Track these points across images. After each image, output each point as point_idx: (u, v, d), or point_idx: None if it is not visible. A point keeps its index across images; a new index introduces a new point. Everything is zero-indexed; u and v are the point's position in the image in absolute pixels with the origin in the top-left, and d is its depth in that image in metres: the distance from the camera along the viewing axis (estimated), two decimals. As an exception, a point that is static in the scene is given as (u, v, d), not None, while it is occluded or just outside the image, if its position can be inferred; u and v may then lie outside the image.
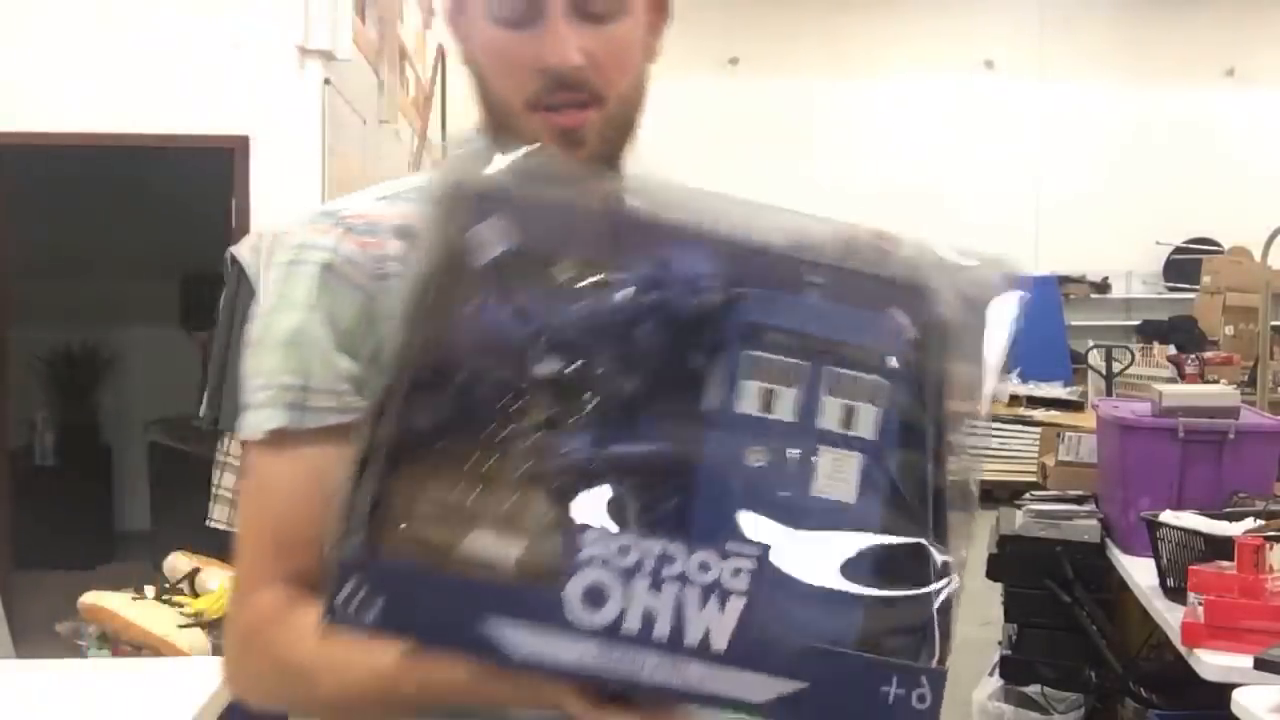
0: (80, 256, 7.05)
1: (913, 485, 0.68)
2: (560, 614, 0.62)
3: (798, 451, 0.66)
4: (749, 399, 0.66)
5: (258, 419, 0.96)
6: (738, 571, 0.63)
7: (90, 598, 3.65)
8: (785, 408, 0.66)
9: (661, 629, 0.62)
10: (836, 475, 0.66)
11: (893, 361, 0.69)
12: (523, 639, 0.63)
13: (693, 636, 0.62)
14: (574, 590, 0.62)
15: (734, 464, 0.65)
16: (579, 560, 0.63)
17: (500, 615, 0.63)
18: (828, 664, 0.64)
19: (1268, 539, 2.27)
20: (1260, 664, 2.05)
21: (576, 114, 0.98)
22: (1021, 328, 0.75)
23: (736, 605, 0.63)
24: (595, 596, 0.62)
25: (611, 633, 0.62)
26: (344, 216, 1.00)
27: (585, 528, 0.63)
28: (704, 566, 0.63)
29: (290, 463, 0.96)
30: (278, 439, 0.95)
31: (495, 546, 0.65)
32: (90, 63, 4.86)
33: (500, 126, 1.00)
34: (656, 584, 0.62)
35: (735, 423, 0.66)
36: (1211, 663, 2.18)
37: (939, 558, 0.67)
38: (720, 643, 0.62)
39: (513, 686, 0.75)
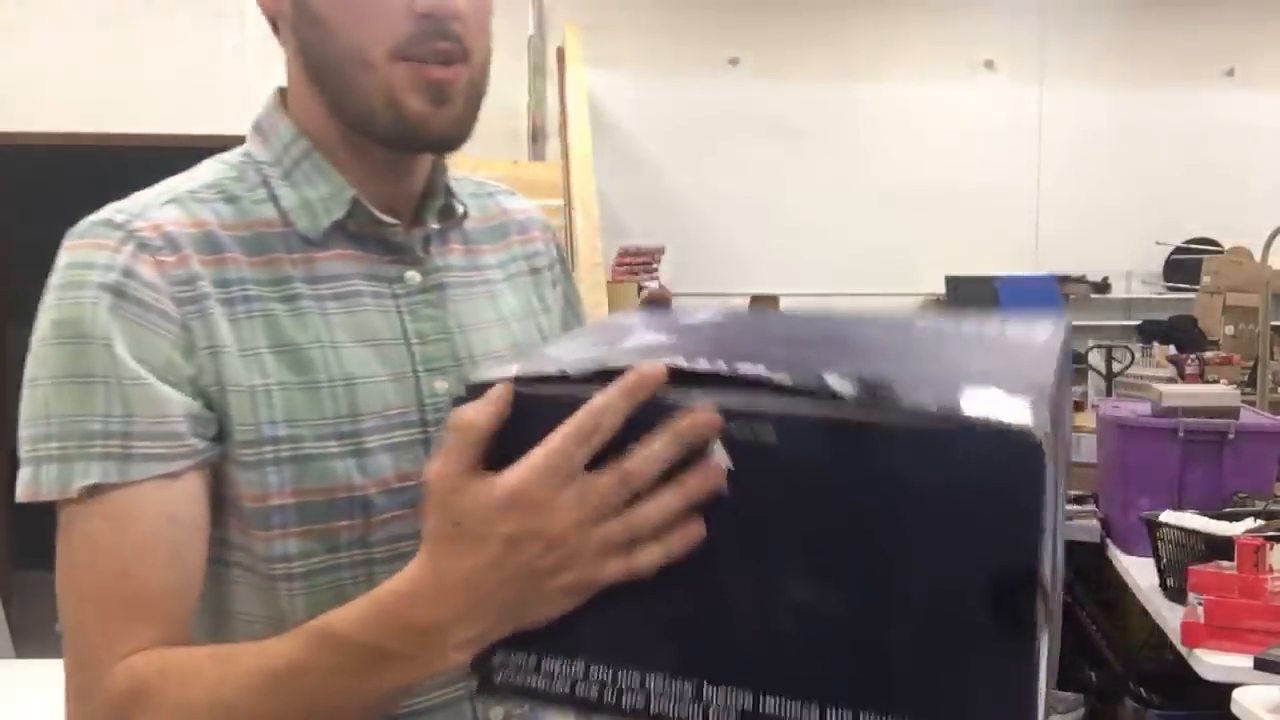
0: (80, 256, 7.05)
1: None
2: None
3: None
4: None
5: (63, 474, 0.80)
6: None
7: (90, 598, 3.65)
8: None
9: None
10: None
11: None
12: None
13: None
14: None
15: None
16: None
17: None
18: None
19: (1268, 539, 2.27)
20: (1260, 664, 2.05)
21: (448, 69, 0.87)
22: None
23: None
24: None
25: None
26: (134, 230, 0.85)
27: None
28: None
29: (121, 522, 0.81)
30: (96, 496, 0.80)
31: None
32: (90, 63, 4.86)
33: (340, 85, 0.88)
34: None
35: None
36: (1211, 663, 2.18)
37: None
38: None
39: (348, 657, 0.73)
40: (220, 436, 0.85)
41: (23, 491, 0.82)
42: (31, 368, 0.84)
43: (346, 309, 0.90)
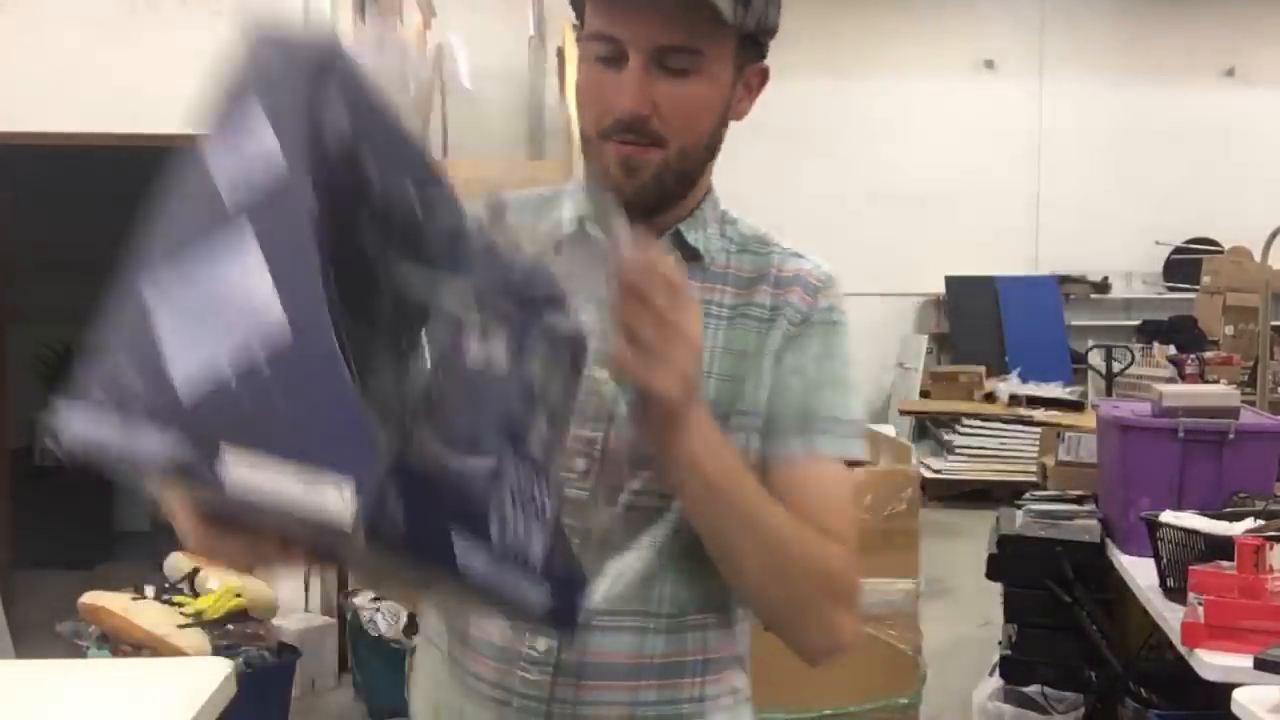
0: (80, 256, 7.05)
1: None
2: None
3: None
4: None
5: None
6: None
7: (90, 598, 3.64)
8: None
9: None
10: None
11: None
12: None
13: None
14: None
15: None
16: None
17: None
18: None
19: (1268, 539, 2.27)
20: (1260, 664, 2.05)
21: (638, 149, 1.12)
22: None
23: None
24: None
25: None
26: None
27: None
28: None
29: None
30: None
31: None
32: (91, 63, 4.86)
33: (583, 145, 1.18)
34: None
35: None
36: (1211, 663, 2.18)
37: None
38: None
39: None
40: None
41: None
42: None
43: None
